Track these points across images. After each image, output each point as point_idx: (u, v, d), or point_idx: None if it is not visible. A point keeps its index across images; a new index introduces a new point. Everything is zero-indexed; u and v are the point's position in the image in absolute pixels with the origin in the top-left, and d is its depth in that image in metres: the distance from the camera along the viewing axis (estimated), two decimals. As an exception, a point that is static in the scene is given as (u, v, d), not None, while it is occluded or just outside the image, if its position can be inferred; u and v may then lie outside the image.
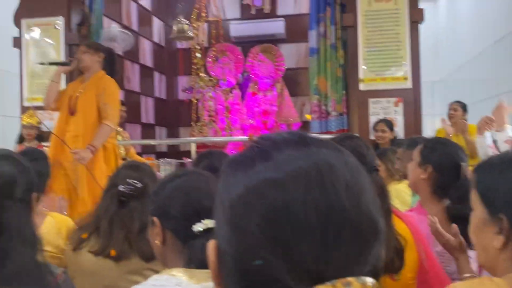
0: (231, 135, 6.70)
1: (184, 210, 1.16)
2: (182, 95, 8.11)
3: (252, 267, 0.48)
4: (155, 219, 1.18)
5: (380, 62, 4.76)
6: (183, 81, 8.10)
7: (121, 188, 1.71)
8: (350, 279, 0.46)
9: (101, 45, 3.54)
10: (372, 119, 4.63)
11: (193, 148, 4.68)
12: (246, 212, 0.49)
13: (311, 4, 5.40)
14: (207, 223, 1.12)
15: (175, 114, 8.29)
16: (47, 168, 2.19)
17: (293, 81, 7.49)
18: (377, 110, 4.72)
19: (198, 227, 1.12)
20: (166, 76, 8.34)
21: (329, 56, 5.15)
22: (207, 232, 1.11)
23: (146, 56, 7.69)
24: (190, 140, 5.77)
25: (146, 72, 7.65)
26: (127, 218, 1.69)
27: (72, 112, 3.31)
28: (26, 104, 5.19)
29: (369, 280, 0.48)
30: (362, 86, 4.75)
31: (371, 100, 4.74)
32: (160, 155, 7.11)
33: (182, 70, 6.90)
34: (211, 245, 0.54)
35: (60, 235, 1.98)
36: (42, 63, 3.61)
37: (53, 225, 2.00)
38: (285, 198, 0.48)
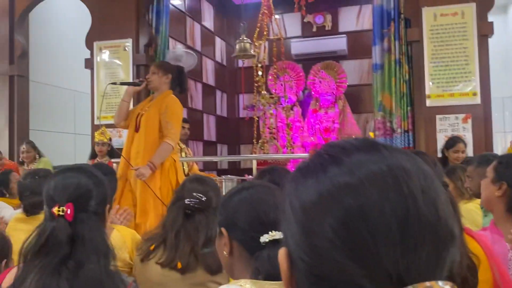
0: (292, 153, 6.69)
1: (251, 221, 1.16)
2: (242, 113, 8.22)
3: (327, 272, 0.48)
4: (223, 229, 1.19)
5: (447, 77, 4.62)
6: (243, 99, 8.22)
7: (186, 201, 1.74)
8: (430, 283, 0.46)
9: (170, 66, 3.59)
10: (439, 136, 4.48)
11: (254, 165, 4.70)
12: (319, 217, 0.49)
13: (374, 20, 5.33)
14: (274, 234, 1.12)
15: (236, 132, 8.41)
16: (114, 183, 2.27)
17: (356, 98, 7.40)
18: (444, 127, 4.56)
19: (265, 238, 1.12)
20: (227, 94, 8.50)
21: (393, 72, 5.05)
22: (274, 243, 1.12)
23: (209, 75, 7.88)
24: (251, 157, 5.81)
25: (208, 91, 7.84)
26: (192, 231, 1.72)
27: (137, 129, 3.41)
28: (96, 122, 5.43)
29: (449, 285, 0.47)
30: (428, 102, 4.62)
31: (438, 116, 4.58)
32: (221, 172, 7.21)
33: (243, 88, 7.00)
34: (282, 252, 0.53)
35: (125, 249, 2.03)
36: (114, 83, 3.75)
37: (118, 238, 2.06)
38: (361, 202, 0.47)
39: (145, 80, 3.54)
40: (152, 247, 1.74)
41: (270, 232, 1.13)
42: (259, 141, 6.52)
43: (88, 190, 1.32)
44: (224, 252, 1.18)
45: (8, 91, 5.81)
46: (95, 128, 5.40)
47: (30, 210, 2.26)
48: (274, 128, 6.84)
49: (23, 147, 5.16)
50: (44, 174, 2.36)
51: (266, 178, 2.16)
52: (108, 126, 5.31)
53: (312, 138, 6.93)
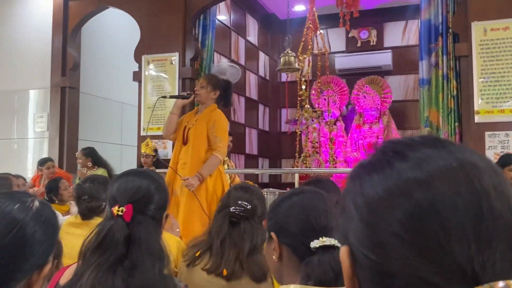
0: (334, 167, 6.63)
1: (302, 226, 1.16)
2: (284, 127, 8.23)
3: (395, 269, 0.47)
4: (273, 234, 1.19)
5: (497, 93, 4.48)
6: (285, 113, 8.24)
7: (232, 209, 1.76)
8: (506, 282, 0.44)
9: (219, 82, 3.62)
10: (488, 153, 4.33)
11: (296, 179, 4.69)
12: (387, 213, 0.48)
13: (421, 35, 5.26)
14: (324, 240, 1.12)
15: (278, 146, 8.42)
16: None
17: (401, 114, 7.29)
18: (494, 144, 4.41)
19: (316, 243, 1.12)
20: (269, 108, 8.54)
21: (441, 87, 4.94)
22: (324, 249, 1.11)
23: (252, 89, 7.95)
24: (294, 171, 5.78)
25: (251, 105, 7.90)
26: (238, 239, 1.72)
27: (185, 142, 3.48)
28: (143, 133, 5.56)
29: None
30: (477, 118, 4.49)
31: (487, 133, 4.44)
32: (262, 185, 7.21)
33: (287, 103, 7.02)
34: (343, 250, 0.53)
35: (170, 256, 2.05)
36: (164, 97, 3.83)
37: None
38: (432, 197, 0.46)
39: (193, 93, 3.60)
40: (197, 254, 1.76)
41: (320, 238, 1.12)
42: (301, 155, 6.49)
43: (149, 194, 1.36)
44: (273, 257, 1.18)
45: (59, 102, 6.04)
46: (141, 139, 5.53)
47: (86, 214, 2.32)
48: (317, 143, 6.80)
49: (77, 153, 5.34)
50: (102, 181, 2.41)
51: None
52: (154, 137, 5.43)
53: (355, 153, 6.85)
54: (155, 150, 5.07)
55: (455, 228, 0.45)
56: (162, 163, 4.45)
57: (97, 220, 2.20)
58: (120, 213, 1.30)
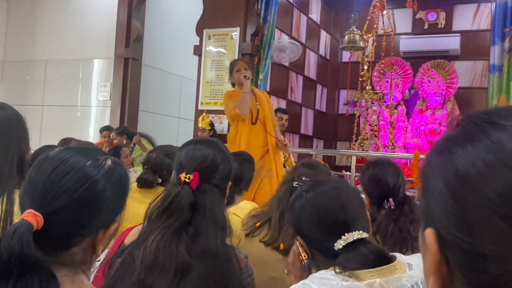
0: (393, 152, 6.45)
1: (319, 230, 1.14)
2: (342, 109, 8.07)
3: (497, 253, 0.42)
4: (299, 239, 1.18)
5: None
6: (344, 94, 8.06)
7: (294, 184, 1.73)
8: None
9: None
10: None
11: (353, 161, 4.59)
12: (486, 188, 0.43)
13: (495, 17, 4.97)
14: (347, 237, 1.09)
15: (333, 128, 8.28)
16: (251, 171, 2.36)
17: (466, 101, 6.97)
18: None
19: (340, 244, 1.09)
20: (328, 89, 8.39)
21: (513, 74, 4.67)
22: (352, 244, 1.09)
23: (311, 68, 7.82)
24: (351, 153, 5.66)
25: (309, 84, 7.78)
26: None
27: (254, 122, 3.78)
28: (200, 108, 5.61)
29: None
30: (552, 108, 4.21)
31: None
32: (316, 167, 7.13)
33: (348, 83, 6.85)
34: (429, 233, 0.48)
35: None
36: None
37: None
38: None
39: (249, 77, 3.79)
40: (257, 224, 1.75)
41: (343, 236, 1.09)
42: (359, 138, 6.35)
43: (215, 164, 1.37)
44: (303, 257, 1.16)
45: (122, 72, 6.19)
46: (198, 113, 5.58)
47: (140, 183, 2.36)
48: (376, 126, 6.63)
49: (111, 135, 5.49)
50: (168, 152, 2.41)
51: (370, 171, 2.12)
52: (210, 111, 5.46)
53: (415, 139, 6.63)
54: (211, 124, 5.11)
55: None
56: (217, 137, 4.49)
57: (158, 188, 2.23)
58: (187, 180, 1.31)
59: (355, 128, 6.52)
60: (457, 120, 0.51)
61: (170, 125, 7.09)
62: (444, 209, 0.47)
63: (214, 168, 1.36)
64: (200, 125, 5.10)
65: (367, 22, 5.87)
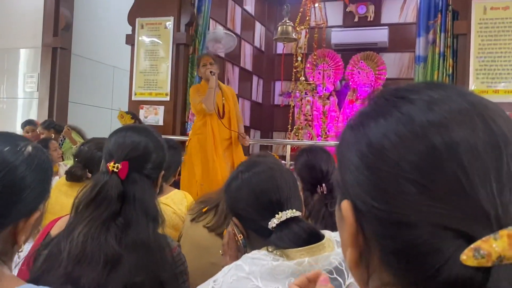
0: (326, 141, 6.62)
1: (255, 210, 1.15)
2: (278, 100, 8.17)
3: (411, 218, 0.44)
4: (235, 219, 1.20)
5: (493, 73, 4.46)
6: (279, 86, 8.17)
7: None
8: None
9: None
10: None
11: (288, 150, 4.68)
12: (400, 158, 0.45)
13: (420, 11, 5.19)
14: (280, 216, 1.11)
15: (270, 118, 8.39)
16: (179, 157, 2.35)
17: (394, 91, 7.26)
18: (486, 124, 4.42)
19: (273, 223, 1.11)
20: (263, 80, 8.47)
21: (437, 65, 4.91)
22: (285, 223, 1.11)
23: (247, 60, 7.86)
24: (286, 142, 5.76)
25: (245, 76, 7.82)
26: None
27: (221, 116, 3.94)
28: (134, 98, 5.49)
29: None
30: (471, 98, 4.48)
31: (480, 113, 4.44)
32: (252, 157, 7.20)
33: (282, 75, 6.94)
34: (345, 205, 0.49)
35: (185, 203, 2.17)
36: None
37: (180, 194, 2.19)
38: (449, 140, 0.44)
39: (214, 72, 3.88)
40: (204, 209, 1.75)
41: (276, 215, 1.11)
42: (294, 128, 6.47)
43: (147, 152, 1.32)
44: (239, 237, 1.18)
45: (50, 62, 5.92)
46: (132, 104, 5.46)
47: (68, 176, 2.29)
48: (310, 116, 6.77)
49: (37, 130, 5.16)
50: (100, 145, 2.34)
51: (304, 158, 2.19)
52: (145, 102, 5.37)
53: (347, 128, 6.83)
54: (134, 117, 4.91)
55: (477, 171, 0.43)
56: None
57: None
58: (115, 169, 1.26)
59: (290, 118, 6.64)
60: (370, 97, 0.52)
61: (102, 117, 6.88)
62: (359, 180, 0.48)
63: (146, 157, 1.31)
64: (121, 123, 4.94)
65: (300, 14, 5.97)
